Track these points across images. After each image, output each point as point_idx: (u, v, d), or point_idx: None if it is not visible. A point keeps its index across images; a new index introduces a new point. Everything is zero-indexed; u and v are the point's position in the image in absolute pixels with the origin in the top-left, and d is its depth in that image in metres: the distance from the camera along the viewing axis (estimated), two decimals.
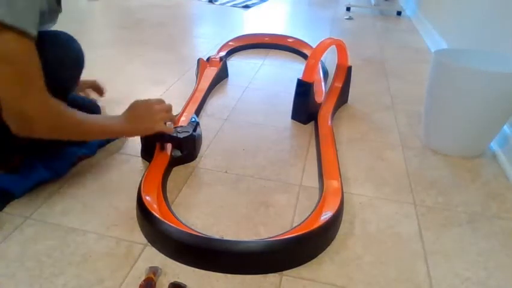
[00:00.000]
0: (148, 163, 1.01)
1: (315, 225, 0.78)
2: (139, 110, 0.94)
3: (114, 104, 1.29)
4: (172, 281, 0.70)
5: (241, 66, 1.83)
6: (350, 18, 2.91)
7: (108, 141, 1.11)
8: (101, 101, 1.26)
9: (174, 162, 1.03)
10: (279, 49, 2.06)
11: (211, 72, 1.57)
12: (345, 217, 0.88)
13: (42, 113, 0.72)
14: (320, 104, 1.35)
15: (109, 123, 0.91)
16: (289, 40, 2.07)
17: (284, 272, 0.74)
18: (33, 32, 0.68)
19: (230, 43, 2.01)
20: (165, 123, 0.98)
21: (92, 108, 1.10)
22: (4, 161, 0.94)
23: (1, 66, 0.67)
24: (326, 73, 1.67)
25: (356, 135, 1.25)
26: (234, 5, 3.22)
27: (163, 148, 1.04)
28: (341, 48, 1.43)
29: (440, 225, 0.88)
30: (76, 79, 0.98)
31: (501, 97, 1.04)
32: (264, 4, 3.36)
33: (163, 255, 0.76)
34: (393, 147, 1.19)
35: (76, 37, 0.94)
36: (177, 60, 1.86)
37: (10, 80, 0.68)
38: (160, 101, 0.98)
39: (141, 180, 0.91)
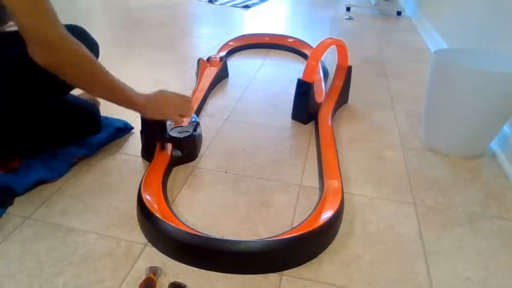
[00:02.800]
0: (148, 163, 1.02)
1: (315, 225, 0.78)
2: (162, 95, 0.98)
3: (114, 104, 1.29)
4: (172, 281, 0.70)
5: (241, 66, 1.83)
6: (350, 18, 2.91)
7: (108, 141, 1.11)
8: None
9: (174, 162, 1.03)
10: (279, 49, 2.06)
11: (211, 72, 1.57)
12: (345, 217, 0.88)
13: (62, 39, 0.75)
14: (320, 104, 1.35)
15: (128, 89, 0.90)
16: (289, 40, 2.07)
17: (284, 272, 0.74)
18: None
19: (230, 43, 2.01)
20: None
21: (93, 109, 1.10)
22: (4, 162, 0.94)
23: None
24: (326, 73, 1.67)
25: (356, 135, 1.25)
26: (234, 5, 3.22)
27: (163, 148, 1.04)
28: (341, 48, 1.43)
29: (440, 225, 0.88)
30: None
31: (501, 97, 1.04)
32: (264, 4, 3.36)
33: (163, 255, 0.76)
34: (393, 147, 1.19)
35: None
36: (177, 60, 1.86)
37: (28, 8, 0.70)
38: (185, 97, 1.02)
39: (141, 180, 0.91)
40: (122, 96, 0.89)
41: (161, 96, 0.98)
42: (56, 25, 0.74)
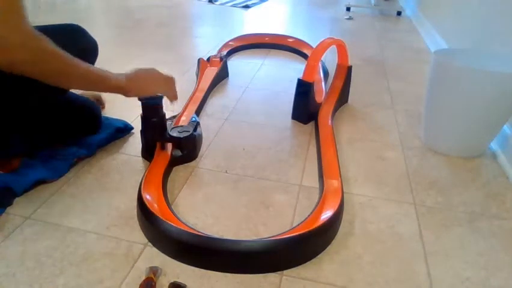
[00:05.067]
0: (148, 163, 1.02)
1: (315, 225, 0.78)
2: (143, 72, 0.94)
3: (114, 104, 1.29)
4: (172, 281, 0.70)
5: (241, 66, 1.83)
6: (350, 18, 2.91)
7: (108, 141, 1.11)
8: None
9: (174, 161, 1.03)
10: (279, 49, 2.06)
11: (211, 72, 1.57)
12: (345, 217, 0.88)
13: (24, 40, 0.68)
14: (320, 104, 1.35)
15: (105, 73, 0.85)
16: (290, 40, 2.07)
17: (284, 272, 0.74)
18: None
19: (230, 43, 2.01)
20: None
21: (93, 108, 1.10)
22: (4, 162, 0.94)
23: None
24: (326, 73, 1.67)
25: (356, 135, 1.25)
26: (234, 5, 3.22)
27: (163, 148, 1.04)
28: (341, 48, 1.43)
29: (440, 225, 0.88)
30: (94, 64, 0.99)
31: (501, 97, 1.04)
32: (264, 4, 3.36)
33: (163, 255, 0.76)
34: (393, 147, 1.19)
35: None
36: (177, 60, 1.86)
37: None
38: (167, 77, 0.98)
39: (141, 180, 0.91)
40: (101, 84, 0.86)
41: (142, 73, 0.94)
42: (20, 24, 0.67)
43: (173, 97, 1.01)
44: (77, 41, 0.89)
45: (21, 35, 0.68)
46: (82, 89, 0.87)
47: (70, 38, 0.88)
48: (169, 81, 0.99)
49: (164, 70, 0.97)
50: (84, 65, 0.80)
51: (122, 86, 0.89)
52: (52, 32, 0.74)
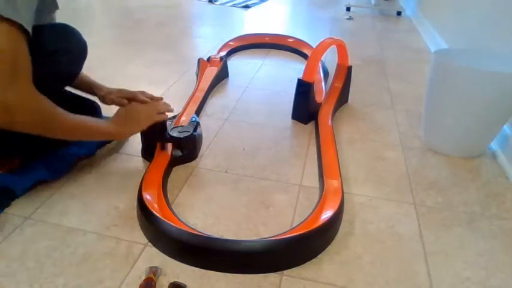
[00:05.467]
0: (148, 163, 1.02)
1: (315, 225, 0.78)
2: (127, 112, 0.95)
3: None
4: (172, 281, 0.70)
5: (242, 66, 1.83)
6: (350, 18, 2.91)
7: (108, 141, 1.11)
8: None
9: (174, 162, 1.03)
10: (279, 49, 2.06)
11: (211, 72, 1.57)
12: (345, 217, 0.88)
13: (25, 104, 0.71)
14: (320, 104, 1.35)
15: (95, 125, 0.88)
16: (290, 40, 2.07)
17: (284, 272, 0.74)
18: (28, 28, 0.69)
19: (230, 43, 2.01)
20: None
21: (92, 108, 1.10)
22: (4, 162, 0.94)
23: None
24: (326, 73, 1.67)
25: (356, 135, 1.25)
26: (234, 5, 3.22)
27: (163, 148, 1.04)
28: (341, 48, 1.43)
29: (440, 225, 0.88)
30: (79, 68, 0.98)
31: (501, 97, 1.04)
32: (264, 4, 3.36)
33: (163, 255, 0.76)
34: (393, 147, 1.19)
35: None
36: (177, 60, 1.86)
37: None
38: (149, 103, 0.98)
39: (141, 180, 0.91)
40: (94, 135, 0.91)
41: (128, 113, 0.96)
42: (23, 89, 0.69)
43: (165, 114, 1.01)
44: (66, 42, 0.89)
45: (24, 99, 0.70)
46: (69, 139, 0.92)
47: (59, 38, 0.88)
48: (151, 108, 0.98)
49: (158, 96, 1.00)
50: (79, 119, 0.83)
51: (114, 134, 0.94)
52: (43, 32, 0.74)
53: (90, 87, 1.07)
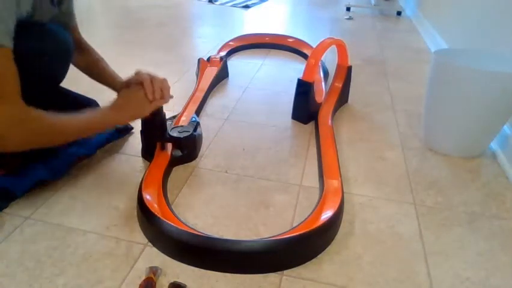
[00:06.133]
0: (148, 163, 1.02)
1: (315, 225, 0.78)
2: (124, 98, 0.91)
3: None
4: (172, 281, 0.70)
5: (242, 66, 1.83)
6: (350, 18, 2.91)
7: (108, 141, 1.11)
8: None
9: (174, 161, 1.03)
10: (279, 49, 2.06)
11: (211, 72, 1.57)
12: (345, 217, 0.88)
13: (14, 126, 0.68)
14: (320, 104, 1.35)
15: (93, 118, 0.85)
16: (290, 40, 2.07)
17: (284, 272, 0.74)
18: (6, 41, 0.65)
19: (230, 43, 2.01)
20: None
21: (93, 106, 1.10)
22: (4, 162, 0.94)
23: None
24: (326, 73, 1.67)
25: (356, 135, 1.25)
26: (234, 5, 3.22)
27: (163, 148, 1.04)
28: (341, 48, 1.43)
29: (440, 225, 0.88)
30: (63, 70, 0.94)
31: (501, 97, 1.03)
32: (264, 4, 3.36)
33: (163, 255, 0.76)
34: (393, 147, 1.19)
35: None
36: (177, 60, 1.86)
37: None
38: (150, 84, 0.91)
39: (141, 180, 0.91)
40: (94, 129, 0.88)
41: (126, 97, 0.91)
42: (9, 112, 0.67)
43: (164, 101, 0.95)
44: (45, 44, 0.84)
45: (10, 124, 0.68)
46: (80, 137, 0.90)
47: (37, 41, 0.81)
48: (153, 99, 0.91)
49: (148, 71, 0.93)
50: (75, 119, 0.80)
51: (113, 121, 0.89)
52: (20, 35, 0.70)
53: (109, 83, 1.04)
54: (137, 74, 0.92)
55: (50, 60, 0.85)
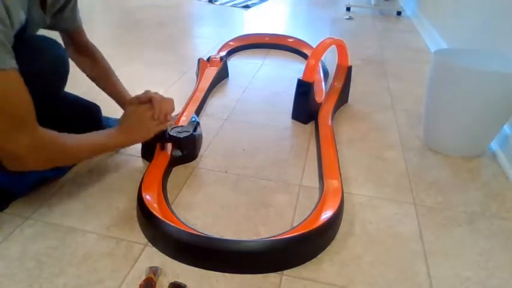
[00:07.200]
0: (148, 163, 1.01)
1: (315, 225, 0.78)
2: (132, 119, 0.92)
3: (114, 104, 1.29)
4: (172, 281, 0.70)
5: (242, 66, 1.83)
6: (350, 18, 2.91)
7: None
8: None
9: (174, 162, 1.03)
10: (279, 49, 2.06)
11: (211, 72, 1.57)
12: (345, 217, 0.88)
13: (33, 151, 0.71)
14: (320, 104, 1.35)
15: (104, 141, 0.87)
16: (290, 40, 2.07)
17: (284, 272, 0.74)
18: (7, 64, 0.63)
19: (230, 43, 2.01)
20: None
21: (93, 109, 1.10)
22: None
23: None
24: (326, 73, 1.67)
25: (356, 135, 1.25)
26: (234, 5, 3.22)
27: (163, 148, 1.04)
28: (341, 48, 1.43)
29: (440, 225, 0.88)
30: (59, 85, 0.92)
31: (501, 97, 1.04)
32: (264, 4, 3.36)
33: (163, 255, 0.76)
34: (393, 147, 1.19)
35: None
36: (177, 60, 1.86)
37: None
38: (159, 104, 0.93)
39: (141, 180, 0.91)
40: (105, 150, 0.94)
41: (132, 119, 0.92)
42: (29, 137, 0.69)
43: (169, 118, 0.97)
44: (36, 62, 0.81)
45: (31, 147, 0.70)
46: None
47: (28, 58, 0.77)
48: (158, 122, 0.94)
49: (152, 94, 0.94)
50: (87, 142, 0.83)
51: (121, 144, 0.96)
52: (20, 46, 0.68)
53: (117, 99, 1.08)
54: (147, 92, 0.96)
55: (46, 79, 0.83)
